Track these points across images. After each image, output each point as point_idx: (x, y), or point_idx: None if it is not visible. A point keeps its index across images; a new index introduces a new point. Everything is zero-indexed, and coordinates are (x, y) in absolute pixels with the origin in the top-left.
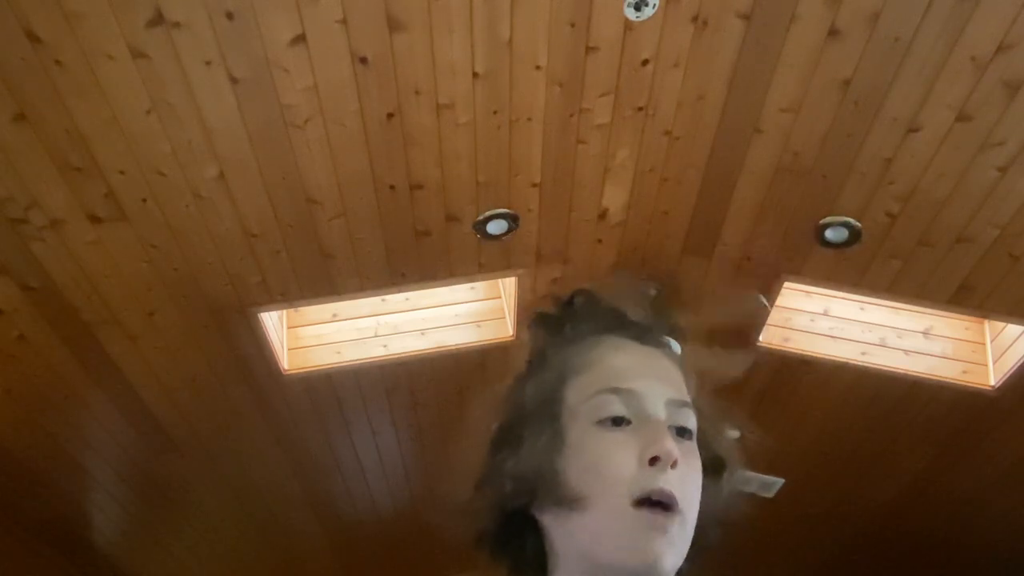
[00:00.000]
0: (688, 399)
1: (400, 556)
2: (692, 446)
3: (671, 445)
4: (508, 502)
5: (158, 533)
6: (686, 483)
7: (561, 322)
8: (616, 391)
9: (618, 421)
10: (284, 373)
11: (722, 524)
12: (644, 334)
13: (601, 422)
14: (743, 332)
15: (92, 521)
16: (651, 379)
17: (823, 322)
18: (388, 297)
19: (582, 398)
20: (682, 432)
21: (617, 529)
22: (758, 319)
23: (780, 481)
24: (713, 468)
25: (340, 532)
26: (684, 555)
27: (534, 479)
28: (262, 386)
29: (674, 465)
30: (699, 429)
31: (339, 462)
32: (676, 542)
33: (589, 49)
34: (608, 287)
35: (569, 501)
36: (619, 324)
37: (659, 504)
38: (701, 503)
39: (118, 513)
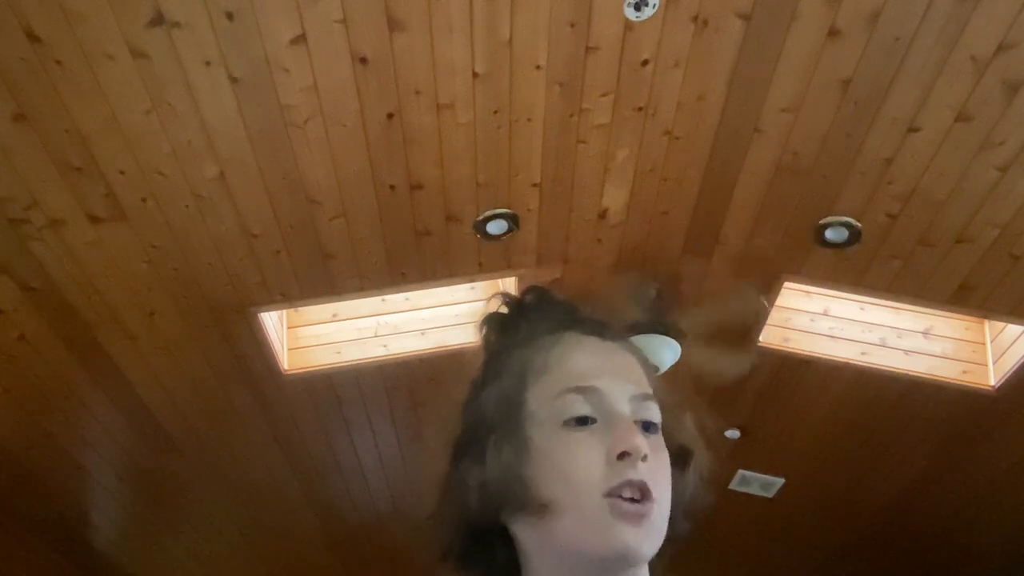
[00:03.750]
0: (651, 392)
1: (400, 556)
2: (659, 439)
3: (640, 440)
4: (475, 515)
5: (158, 533)
6: (657, 474)
7: (514, 322)
8: (579, 390)
9: (583, 421)
10: (284, 373)
11: (690, 516)
12: (601, 329)
13: (566, 423)
14: (743, 332)
15: (92, 521)
16: (613, 376)
17: (823, 322)
18: (388, 297)
19: (544, 400)
20: (647, 426)
21: (592, 521)
22: (758, 319)
23: (780, 481)
24: (679, 459)
25: (340, 532)
26: (661, 542)
27: (501, 490)
28: (262, 386)
29: (644, 459)
30: (663, 421)
31: (339, 462)
32: (653, 528)
33: (589, 49)
34: (607, 288)
35: (539, 508)
36: (574, 320)
37: (631, 494)
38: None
39: (118, 513)
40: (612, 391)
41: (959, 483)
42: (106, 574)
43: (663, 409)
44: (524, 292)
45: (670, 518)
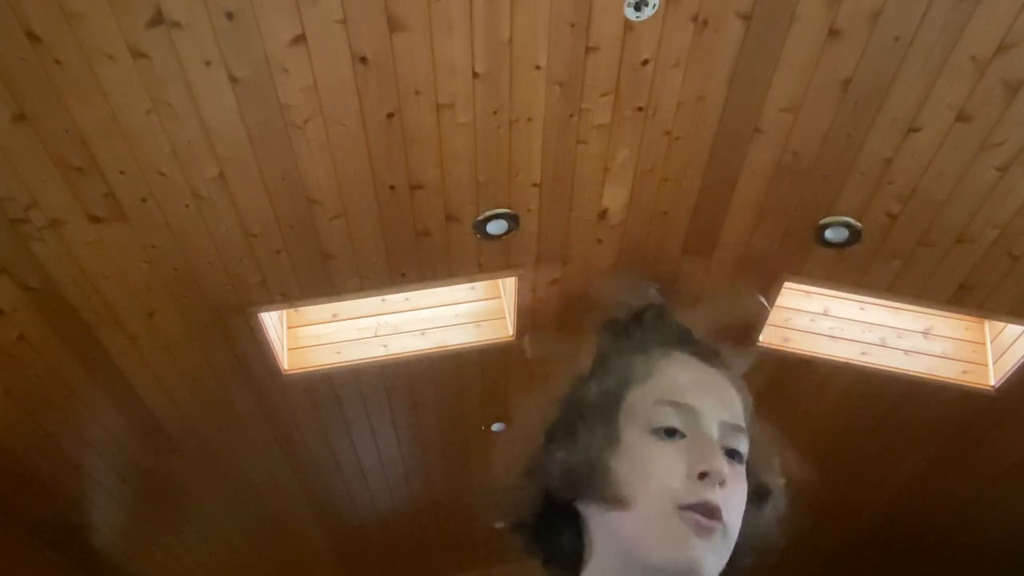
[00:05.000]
0: (743, 424)
1: (400, 556)
2: (741, 470)
3: (721, 463)
4: (555, 492)
5: (158, 533)
6: (731, 501)
7: (629, 330)
8: (674, 404)
9: (671, 432)
10: (284, 373)
11: (757, 551)
12: (710, 355)
13: (655, 431)
14: (743, 332)
15: (92, 521)
16: (709, 398)
17: (823, 322)
18: (388, 297)
19: (642, 404)
20: (732, 454)
21: (660, 529)
22: (758, 319)
23: (780, 481)
24: (757, 496)
25: (340, 532)
26: (723, 565)
27: (584, 472)
28: (262, 386)
29: (722, 484)
30: (748, 457)
31: (339, 462)
32: (718, 548)
33: (589, 49)
34: (605, 288)
35: (614, 499)
36: (686, 342)
37: (703, 512)
38: (741, 528)
39: (118, 513)
40: (705, 412)
41: (959, 483)
42: (106, 574)
43: (753, 445)
44: (644, 308)
45: (737, 549)
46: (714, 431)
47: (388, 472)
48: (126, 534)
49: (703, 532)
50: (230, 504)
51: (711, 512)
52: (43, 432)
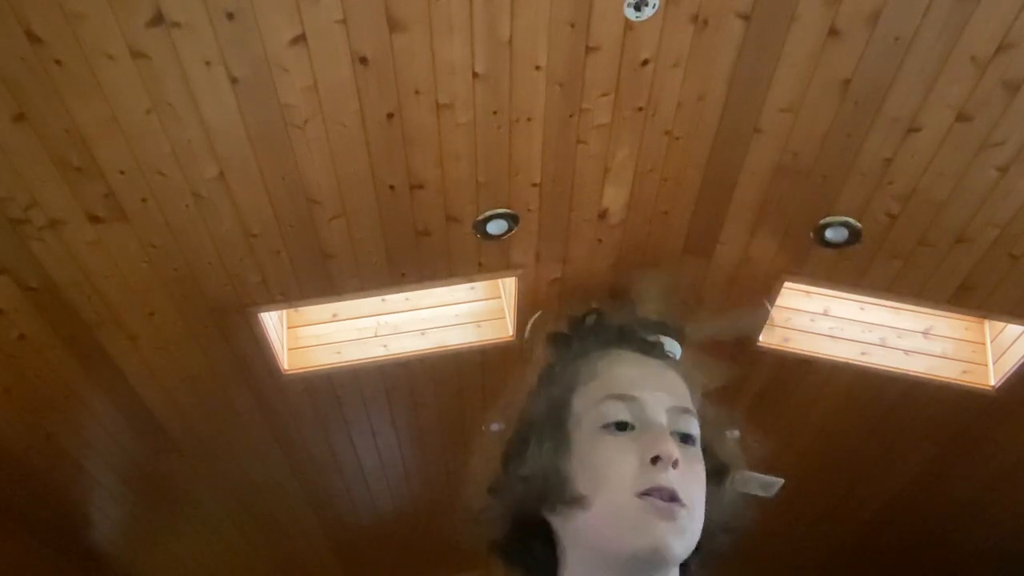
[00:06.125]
0: (691, 407)
1: (400, 556)
2: (695, 451)
3: (671, 446)
4: (520, 506)
5: (158, 533)
6: (689, 482)
7: (569, 339)
8: (620, 397)
9: (621, 426)
10: (284, 373)
11: (729, 530)
12: (649, 348)
13: (605, 427)
14: (745, 342)
15: (92, 521)
16: (654, 388)
17: (823, 322)
18: (388, 297)
19: (588, 405)
20: (685, 438)
21: (623, 517)
22: (759, 321)
23: (780, 481)
24: (717, 474)
25: (340, 532)
26: (692, 546)
27: (540, 482)
28: (262, 386)
29: (675, 465)
30: (703, 437)
31: (339, 462)
32: (684, 529)
33: (589, 49)
34: (615, 286)
35: (574, 500)
36: (625, 339)
37: (660, 496)
38: (707, 510)
39: (118, 513)
40: (651, 401)
41: (959, 483)
42: (106, 574)
43: (705, 425)
44: (585, 314)
45: (709, 532)
46: (662, 417)
47: (388, 472)
48: (126, 534)
49: (665, 514)
50: (230, 504)
51: (668, 496)
52: (43, 432)
